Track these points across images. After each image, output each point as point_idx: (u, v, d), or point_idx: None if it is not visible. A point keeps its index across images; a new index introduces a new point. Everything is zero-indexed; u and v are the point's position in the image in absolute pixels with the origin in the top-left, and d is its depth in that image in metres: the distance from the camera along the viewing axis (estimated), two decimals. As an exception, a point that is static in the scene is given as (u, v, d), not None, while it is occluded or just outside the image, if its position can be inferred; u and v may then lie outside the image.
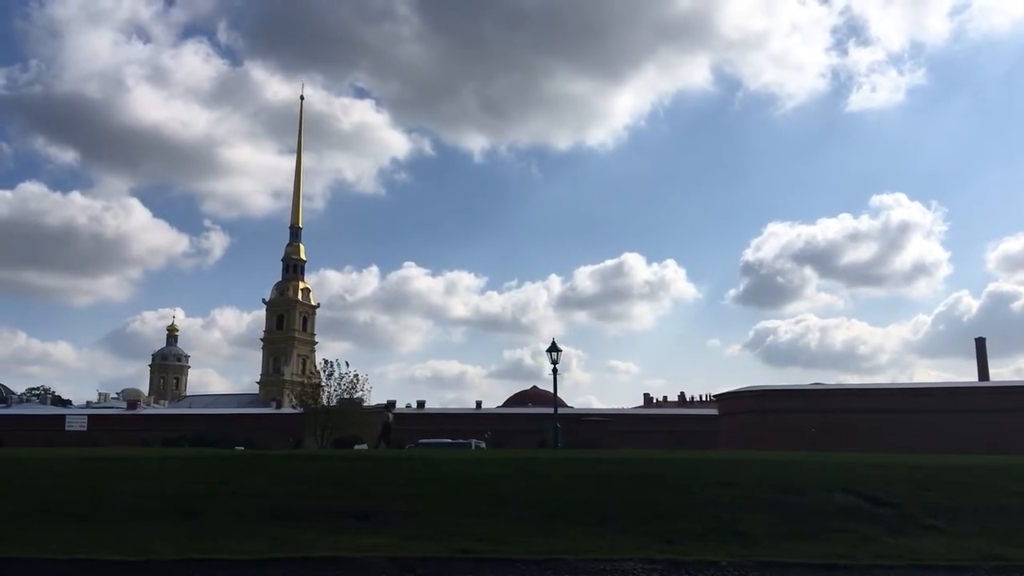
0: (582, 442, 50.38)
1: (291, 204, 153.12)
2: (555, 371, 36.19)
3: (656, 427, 71.85)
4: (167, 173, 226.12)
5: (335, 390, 51.25)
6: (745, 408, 58.55)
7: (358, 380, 52.25)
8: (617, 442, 52.61)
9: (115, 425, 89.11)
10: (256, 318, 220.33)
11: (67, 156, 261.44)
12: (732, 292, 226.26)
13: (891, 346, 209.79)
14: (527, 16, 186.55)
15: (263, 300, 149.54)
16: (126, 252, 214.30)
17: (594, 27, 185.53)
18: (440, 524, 11.02)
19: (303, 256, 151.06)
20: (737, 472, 13.73)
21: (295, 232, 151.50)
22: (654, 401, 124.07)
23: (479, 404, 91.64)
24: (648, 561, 9.61)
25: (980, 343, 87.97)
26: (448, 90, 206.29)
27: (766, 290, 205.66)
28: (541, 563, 9.69)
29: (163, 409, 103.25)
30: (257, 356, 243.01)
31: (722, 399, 64.89)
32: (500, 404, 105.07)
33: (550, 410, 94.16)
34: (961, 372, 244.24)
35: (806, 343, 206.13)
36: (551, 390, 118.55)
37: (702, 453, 19.91)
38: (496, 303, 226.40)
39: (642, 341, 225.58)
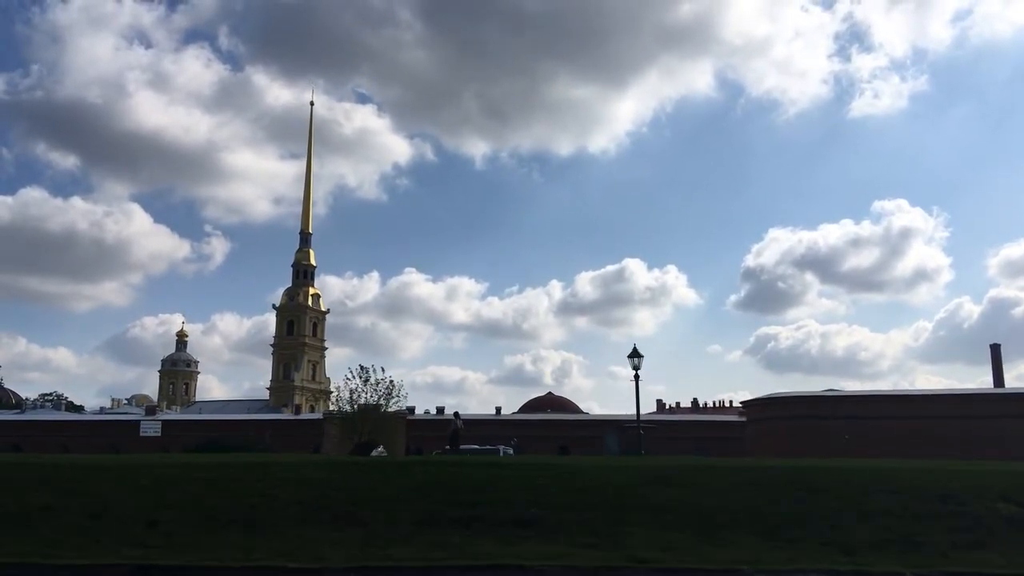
0: (632, 448, 50.03)
1: (301, 209, 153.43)
2: (636, 377, 35.90)
3: (684, 434, 71.31)
4: (168, 178, 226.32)
5: (371, 395, 51.25)
6: (774, 415, 58.40)
7: (393, 386, 52.21)
8: (664, 448, 52.30)
9: (134, 431, 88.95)
10: (256, 324, 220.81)
11: (68, 161, 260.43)
12: (733, 298, 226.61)
13: (892, 352, 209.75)
14: (529, 21, 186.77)
15: (273, 306, 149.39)
16: (127, 257, 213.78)
17: (596, 32, 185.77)
18: (604, 532, 11.01)
19: (313, 261, 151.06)
20: (889, 480, 13.75)
21: (305, 237, 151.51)
22: (667, 407, 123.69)
23: (498, 410, 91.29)
24: (831, 573, 9.59)
25: (995, 349, 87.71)
26: (450, 95, 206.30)
27: (767, 296, 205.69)
28: (721, 573, 9.65)
29: (182, 415, 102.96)
30: (258, 361, 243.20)
31: (749, 405, 64.68)
32: (516, 410, 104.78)
33: (568, 416, 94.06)
34: (963, 378, 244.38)
35: (807, 349, 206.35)
36: (565, 396, 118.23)
37: (841, 461, 19.86)
38: (497, 309, 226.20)
39: (643, 347, 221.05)
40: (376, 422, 50.61)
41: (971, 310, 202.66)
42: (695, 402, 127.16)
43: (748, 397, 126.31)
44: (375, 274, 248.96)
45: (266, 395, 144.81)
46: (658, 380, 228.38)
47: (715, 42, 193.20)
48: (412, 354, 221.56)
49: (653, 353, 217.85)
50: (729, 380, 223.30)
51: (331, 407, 55.70)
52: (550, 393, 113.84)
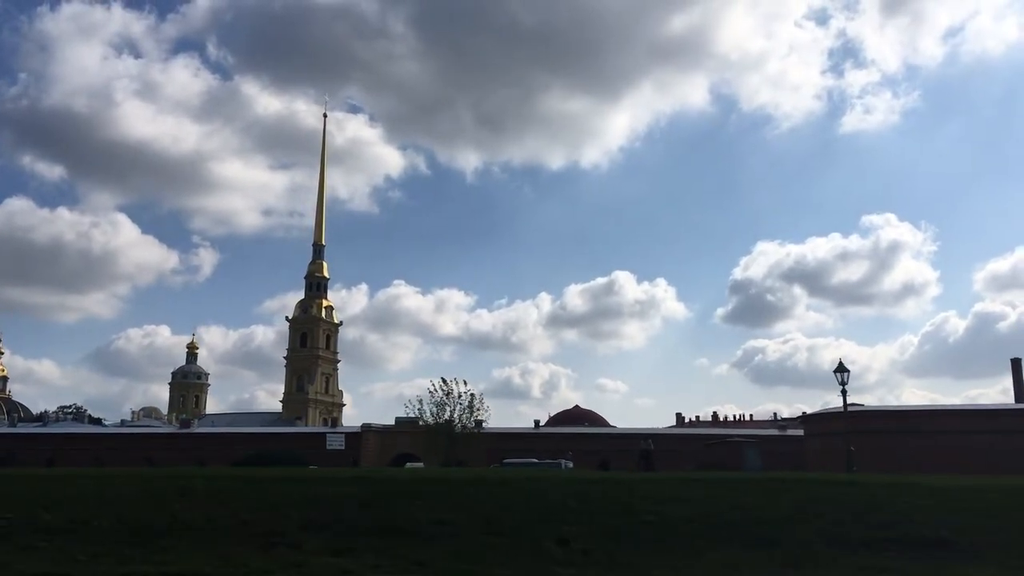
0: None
1: (314, 221, 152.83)
2: (844, 392, 35.61)
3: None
4: (156, 189, 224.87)
5: (454, 409, 50.94)
6: (838, 429, 58.25)
7: (473, 399, 51.90)
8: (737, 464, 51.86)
9: (168, 443, 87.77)
10: (242, 336, 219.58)
11: (54, 171, 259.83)
12: (721, 311, 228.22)
13: (879, 366, 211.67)
14: (523, 33, 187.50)
15: (286, 318, 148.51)
16: (114, 268, 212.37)
17: (590, 45, 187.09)
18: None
19: (326, 273, 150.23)
20: None
21: (318, 249, 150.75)
22: (686, 421, 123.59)
23: (537, 423, 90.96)
24: None
25: (1016, 364, 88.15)
26: (443, 106, 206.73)
27: (755, 309, 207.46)
28: None
29: (215, 428, 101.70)
30: (244, 374, 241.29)
31: (809, 420, 64.54)
32: (544, 423, 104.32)
33: (605, 430, 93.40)
34: (947, 392, 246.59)
35: (794, 363, 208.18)
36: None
37: None
38: (486, 321, 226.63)
39: (631, 360, 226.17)
40: (462, 437, 50.32)
41: (957, 325, 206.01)
42: (715, 415, 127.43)
43: (736, 410, 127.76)
44: (364, 286, 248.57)
45: (255, 405, 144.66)
46: (645, 393, 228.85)
47: (710, 56, 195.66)
48: (400, 366, 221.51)
49: (641, 366, 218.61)
50: (716, 393, 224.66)
51: (411, 416, 54.92)
52: (577, 407, 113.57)
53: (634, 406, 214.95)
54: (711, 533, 11.32)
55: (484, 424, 55.18)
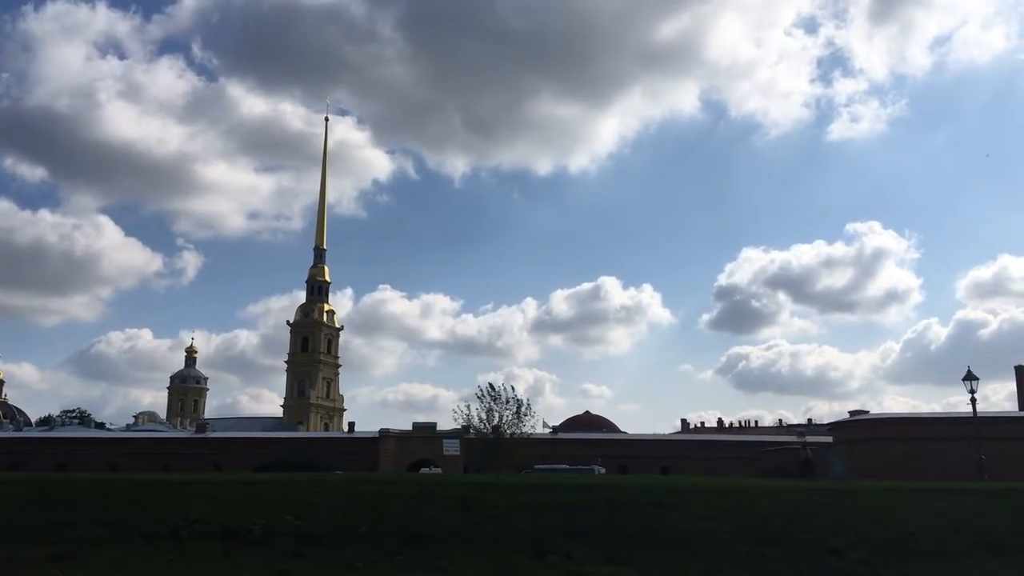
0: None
1: (315, 224, 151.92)
2: (973, 400, 35.70)
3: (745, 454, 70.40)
4: (139, 191, 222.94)
5: (503, 414, 50.74)
6: (870, 436, 58.55)
7: (520, 404, 51.73)
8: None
9: (182, 448, 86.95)
10: (225, 340, 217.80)
11: (36, 173, 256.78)
12: (706, 317, 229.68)
13: (861, 372, 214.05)
14: (513, 38, 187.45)
15: (287, 322, 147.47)
16: (97, 271, 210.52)
17: (581, 50, 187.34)
18: None
19: (328, 277, 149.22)
20: None
21: (319, 253, 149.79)
22: (691, 427, 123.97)
23: (555, 429, 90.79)
24: None
25: (1020, 371, 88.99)
26: (432, 110, 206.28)
27: (740, 315, 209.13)
28: None
29: (231, 433, 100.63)
30: (228, 378, 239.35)
31: (839, 427, 64.70)
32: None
33: (620, 436, 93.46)
34: (929, 399, 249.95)
35: (777, 369, 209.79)
36: (602, 416, 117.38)
37: None
38: (472, 326, 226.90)
39: (616, 365, 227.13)
40: (509, 443, 50.08)
41: (938, 332, 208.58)
42: (720, 422, 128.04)
43: (719, 416, 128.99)
44: (349, 290, 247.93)
45: (237, 410, 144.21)
46: (629, 399, 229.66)
47: (700, 63, 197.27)
48: (385, 371, 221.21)
49: (625, 372, 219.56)
50: (699, 400, 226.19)
51: (458, 424, 54.70)
52: (587, 412, 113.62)
53: (618, 411, 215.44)
54: (981, 545, 11.21)
55: (533, 429, 54.89)
